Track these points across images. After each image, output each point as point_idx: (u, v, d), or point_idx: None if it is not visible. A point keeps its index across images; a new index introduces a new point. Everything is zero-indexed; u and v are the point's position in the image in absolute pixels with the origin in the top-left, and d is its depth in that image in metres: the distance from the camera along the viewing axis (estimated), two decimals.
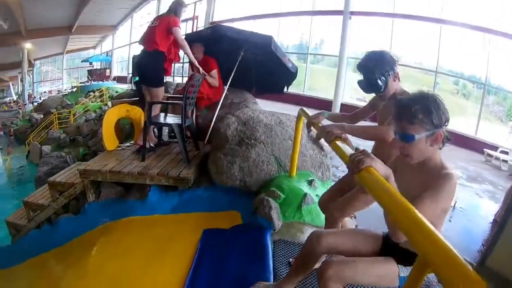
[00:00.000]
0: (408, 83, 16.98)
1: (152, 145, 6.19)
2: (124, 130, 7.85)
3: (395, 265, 2.27)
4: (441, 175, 2.04)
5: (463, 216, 6.50)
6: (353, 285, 2.72)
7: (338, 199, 2.92)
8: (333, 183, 4.57)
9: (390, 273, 2.26)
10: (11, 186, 19.79)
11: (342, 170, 5.99)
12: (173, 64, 6.48)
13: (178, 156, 5.92)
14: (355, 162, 1.98)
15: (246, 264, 3.36)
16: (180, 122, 5.60)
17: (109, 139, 6.69)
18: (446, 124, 2.07)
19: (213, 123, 6.28)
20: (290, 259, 3.32)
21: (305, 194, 4.33)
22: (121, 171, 5.51)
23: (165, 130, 6.83)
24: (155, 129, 6.48)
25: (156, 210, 5.02)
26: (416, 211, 1.46)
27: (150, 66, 5.99)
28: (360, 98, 17.32)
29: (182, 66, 15.09)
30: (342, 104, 16.41)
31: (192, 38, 6.80)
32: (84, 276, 4.06)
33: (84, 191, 6.11)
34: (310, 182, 4.74)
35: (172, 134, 6.90)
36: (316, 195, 4.40)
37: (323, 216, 3.71)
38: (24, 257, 5.79)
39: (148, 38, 5.95)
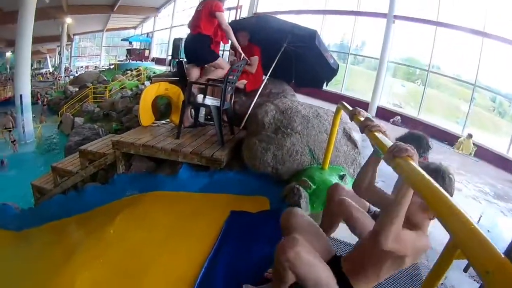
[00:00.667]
0: (445, 94, 16.72)
1: (186, 126, 6.21)
2: (160, 109, 7.86)
3: (335, 283, 2.31)
4: None
5: (485, 232, 6.40)
6: None
7: (347, 198, 2.93)
8: None
9: (328, 285, 2.29)
10: (39, 153, 20.12)
11: None
12: (221, 46, 6.59)
13: (213, 138, 5.92)
14: (397, 148, 1.97)
15: (269, 249, 3.26)
16: (219, 105, 5.60)
17: (145, 114, 6.74)
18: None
19: (250, 109, 6.27)
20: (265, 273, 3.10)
21: None
22: (155, 146, 5.54)
23: (202, 111, 6.84)
24: (192, 110, 6.51)
25: (185, 187, 5.03)
26: (450, 198, 1.51)
27: (195, 48, 6.10)
28: (397, 104, 17.18)
29: (222, 54, 15.11)
30: (378, 107, 16.25)
31: (236, 25, 6.78)
32: (103, 244, 4.12)
33: (114, 162, 6.18)
34: (341, 177, 4.69)
35: (209, 116, 6.93)
36: None
37: None
38: (44, 221, 5.90)
39: (193, 22, 6.04)
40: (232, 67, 5.65)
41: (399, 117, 14.85)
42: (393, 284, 3.22)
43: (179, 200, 4.83)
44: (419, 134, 3.01)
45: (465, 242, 1.32)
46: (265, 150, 4.96)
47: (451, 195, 2.10)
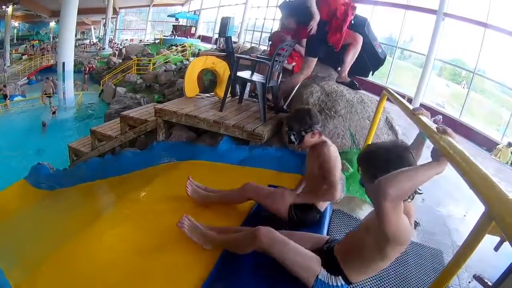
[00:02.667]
0: (489, 99, 16.40)
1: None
2: (204, 83, 7.89)
3: (319, 266, 2.52)
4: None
5: None
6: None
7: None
8: None
9: (311, 269, 2.53)
10: (79, 119, 20.53)
11: None
12: None
13: (255, 114, 5.92)
14: (442, 127, 2.09)
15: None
16: (264, 81, 5.57)
17: (190, 86, 6.80)
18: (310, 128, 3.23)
19: (295, 90, 6.18)
20: None
21: None
22: (197, 116, 5.58)
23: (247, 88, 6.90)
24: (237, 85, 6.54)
25: (224, 159, 5.07)
26: (487, 173, 1.56)
27: None
28: (439, 104, 16.91)
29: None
30: (421, 104, 15.95)
31: (286, 6, 6.85)
32: (134, 206, 4.20)
33: (155, 129, 6.27)
34: None
35: (253, 94, 6.97)
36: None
37: None
38: (77, 181, 6.06)
39: None
40: (281, 45, 5.63)
41: (440, 117, 14.61)
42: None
43: (216, 170, 4.88)
44: (303, 110, 3.28)
45: (500, 213, 1.33)
46: None
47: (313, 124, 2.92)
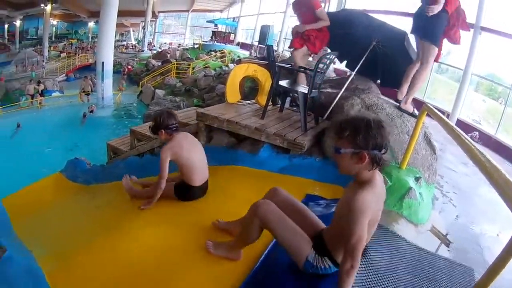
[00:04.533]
0: None
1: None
2: (244, 90, 7.97)
3: (310, 248, 2.67)
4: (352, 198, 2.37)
5: None
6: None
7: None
8: (436, 188, 4.80)
9: (301, 249, 2.68)
10: (116, 117, 20.88)
11: (446, 180, 5.88)
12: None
13: (296, 124, 5.91)
14: None
15: None
16: (306, 92, 5.61)
17: (232, 92, 6.88)
18: (374, 148, 2.29)
19: (335, 101, 6.23)
20: None
21: (410, 188, 4.33)
22: (239, 122, 5.64)
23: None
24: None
25: (264, 166, 5.13)
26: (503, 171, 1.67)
27: None
28: (476, 120, 16.69)
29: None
30: (458, 120, 15.78)
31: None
32: (170, 206, 4.30)
33: (195, 133, 6.25)
34: (417, 179, 4.69)
35: (294, 103, 7.01)
36: (419, 193, 4.40)
37: (420, 214, 4.19)
38: (114, 178, 6.15)
39: None
40: (322, 56, 5.64)
41: (477, 133, 14.42)
42: None
43: (256, 176, 4.91)
44: (362, 119, 2.91)
45: None
46: None
47: (378, 146, 2.28)
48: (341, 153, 2.35)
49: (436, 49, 5.68)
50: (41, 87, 26.37)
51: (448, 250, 4.04)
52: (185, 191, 4.29)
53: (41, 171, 11.33)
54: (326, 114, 6.25)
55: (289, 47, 7.41)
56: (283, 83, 6.04)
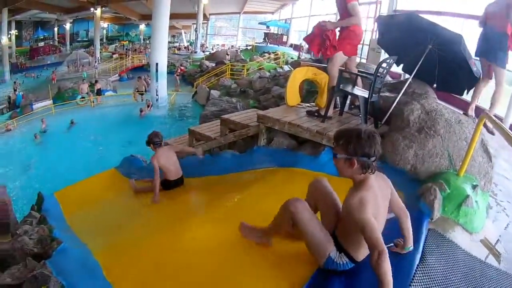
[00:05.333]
0: None
1: (329, 115, 6.19)
2: (303, 92, 8.02)
3: (333, 246, 2.99)
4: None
5: None
6: None
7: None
8: (490, 196, 4.84)
9: (325, 247, 2.99)
10: (171, 117, 21.31)
11: (500, 188, 5.80)
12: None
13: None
14: None
15: (400, 237, 3.40)
16: (367, 96, 5.65)
17: (292, 95, 6.95)
18: (362, 155, 2.69)
19: (394, 105, 6.23)
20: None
21: (468, 196, 4.32)
22: (301, 125, 5.72)
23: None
24: (337, 98, 6.53)
25: (325, 169, 5.11)
26: None
27: None
28: None
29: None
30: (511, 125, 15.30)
31: (384, 21, 7.00)
32: (229, 206, 4.47)
33: (255, 135, 6.46)
34: (474, 187, 4.66)
35: (352, 106, 7.00)
36: (476, 202, 4.38)
37: (475, 222, 4.20)
38: None
39: None
40: (382, 61, 5.71)
41: None
42: None
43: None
44: (354, 130, 2.95)
45: None
46: (407, 147, 5.07)
47: (367, 155, 2.68)
48: (337, 158, 2.81)
49: (505, 70, 5.92)
50: (98, 86, 27.23)
51: (498, 261, 3.99)
52: (167, 184, 5.94)
53: (95, 167, 11.72)
54: (385, 119, 6.23)
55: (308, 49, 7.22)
56: (344, 86, 6.06)
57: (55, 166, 15.48)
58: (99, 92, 27.26)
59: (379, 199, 2.80)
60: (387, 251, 2.50)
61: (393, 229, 3.34)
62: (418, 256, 3.29)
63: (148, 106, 21.95)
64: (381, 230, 2.74)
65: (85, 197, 6.37)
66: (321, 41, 6.22)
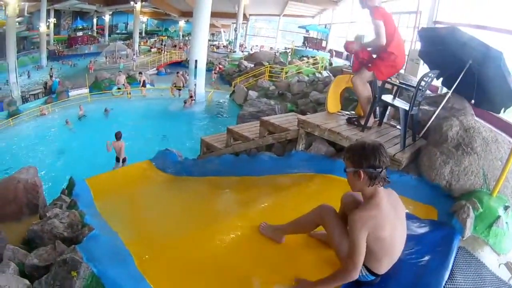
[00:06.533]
0: None
1: (369, 125, 6.22)
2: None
3: None
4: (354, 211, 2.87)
5: None
6: None
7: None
8: None
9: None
10: (207, 115, 21.53)
11: None
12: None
13: (395, 140, 5.96)
14: None
15: (430, 253, 3.51)
16: (407, 108, 5.65)
17: (333, 102, 6.98)
18: (368, 167, 2.82)
19: (432, 119, 6.24)
20: None
21: (499, 216, 4.32)
22: (340, 133, 5.75)
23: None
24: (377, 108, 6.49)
25: None
26: None
27: None
28: None
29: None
30: None
31: (426, 34, 6.99)
32: (266, 208, 4.49)
33: (294, 139, 6.50)
34: (506, 208, 4.61)
35: (393, 118, 7.01)
36: (506, 223, 4.37)
37: (504, 244, 4.18)
38: (207, 173, 6.51)
39: None
40: (424, 74, 5.70)
41: None
42: None
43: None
44: (365, 143, 3.05)
45: None
46: (444, 163, 5.06)
47: (372, 166, 2.81)
48: (347, 172, 2.97)
49: None
50: (143, 78, 27.84)
51: None
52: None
53: (128, 157, 11.97)
54: (422, 132, 6.22)
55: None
56: (385, 97, 6.09)
57: (86, 152, 15.92)
58: (144, 84, 27.79)
59: (391, 216, 2.90)
60: (354, 278, 2.80)
61: (419, 244, 3.53)
62: (447, 273, 3.34)
63: (191, 97, 22.35)
64: (400, 247, 2.98)
65: (117, 186, 6.52)
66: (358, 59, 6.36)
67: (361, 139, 3.31)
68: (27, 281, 3.15)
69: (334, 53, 35.18)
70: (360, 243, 2.73)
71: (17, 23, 40.73)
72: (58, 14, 56.62)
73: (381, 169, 2.83)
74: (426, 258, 3.46)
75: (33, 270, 3.50)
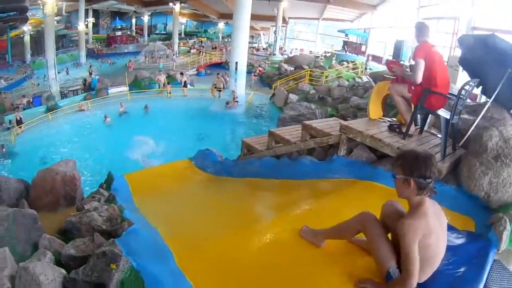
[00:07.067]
0: None
1: (410, 133, 6.14)
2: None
3: (394, 263, 3.04)
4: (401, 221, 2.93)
5: None
6: None
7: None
8: None
9: (385, 262, 3.08)
10: (247, 117, 21.94)
11: None
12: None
13: (435, 148, 5.82)
14: None
15: (466, 264, 3.49)
16: (448, 117, 5.60)
17: (375, 108, 6.99)
18: (419, 176, 2.89)
19: (472, 128, 6.13)
20: None
21: None
22: (382, 140, 5.73)
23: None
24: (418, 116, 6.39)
25: None
26: None
27: None
28: None
29: None
30: None
31: (465, 42, 6.90)
32: (308, 211, 4.55)
33: (336, 144, 6.51)
34: None
35: (433, 126, 6.96)
36: None
37: None
38: (247, 174, 6.64)
39: None
40: (465, 83, 5.70)
41: None
42: None
43: (392, 196, 4.41)
44: (418, 152, 3.10)
45: None
46: (483, 173, 4.97)
47: (423, 176, 2.89)
48: (396, 178, 3.03)
49: None
50: (184, 78, 28.46)
51: None
52: None
53: (164, 155, 12.22)
54: (462, 141, 6.12)
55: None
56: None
57: (123, 148, 16.25)
58: (185, 84, 28.34)
59: (436, 225, 2.95)
60: (413, 286, 2.81)
61: (456, 255, 3.53)
62: (481, 285, 3.32)
63: (234, 99, 22.71)
64: (441, 257, 3.05)
65: (156, 183, 6.68)
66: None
67: (411, 148, 3.30)
68: (63, 270, 3.23)
69: (370, 57, 35.09)
70: (414, 250, 2.78)
71: (56, 22, 41.96)
72: (96, 14, 58.73)
73: (430, 179, 2.90)
74: (462, 269, 3.42)
75: (69, 260, 3.60)
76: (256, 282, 3.24)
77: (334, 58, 37.29)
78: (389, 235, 3.34)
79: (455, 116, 5.74)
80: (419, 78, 5.75)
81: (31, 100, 27.82)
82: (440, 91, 5.87)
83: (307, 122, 7.47)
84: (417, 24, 6.12)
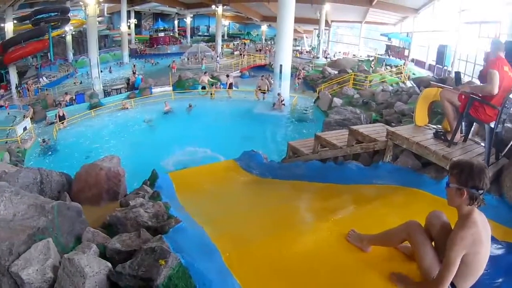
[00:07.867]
0: None
1: (455, 141, 6.09)
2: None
3: (437, 272, 3.04)
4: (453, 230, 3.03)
5: None
6: None
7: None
8: None
9: (430, 270, 3.15)
10: (292, 119, 22.01)
11: None
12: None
13: (479, 157, 5.74)
14: None
15: (504, 276, 3.51)
16: (493, 126, 5.54)
17: (421, 115, 7.00)
18: (472, 187, 2.93)
19: None
20: None
21: None
22: (428, 147, 5.72)
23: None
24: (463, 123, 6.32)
25: (443, 194, 4.71)
26: None
27: None
28: None
29: None
30: None
31: (509, 47, 6.78)
32: (349, 219, 4.46)
33: (382, 150, 6.59)
34: None
35: (477, 134, 6.89)
36: None
37: None
38: (292, 177, 6.74)
39: None
40: (509, 92, 5.58)
41: None
42: None
43: (437, 204, 4.50)
44: (472, 163, 3.12)
45: None
46: None
47: (477, 187, 2.93)
48: (450, 187, 3.07)
49: None
50: (230, 80, 28.82)
51: None
52: None
53: (207, 155, 12.43)
54: (505, 151, 5.91)
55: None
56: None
57: (167, 146, 16.57)
58: (231, 86, 28.81)
59: (483, 235, 2.96)
60: None
61: (494, 266, 3.52)
62: None
63: (280, 101, 22.87)
64: (484, 267, 3.07)
65: (200, 182, 6.85)
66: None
67: (467, 159, 3.37)
68: (109, 264, 3.29)
69: (408, 62, 34.78)
70: (456, 261, 2.83)
71: (98, 23, 43.26)
72: (138, 15, 61.00)
73: (483, 191, 2.94)
74: (500, 280, 3.44)
75: (114, 254, 3.67)
76: (302, 284, 3.30)
77: (374, 62, 37.13)
78: (433, 243, 3.39)
79: (498, 125, 5.66)
80: (496, 88, 5.49)
81: (74, 97, 28.74)
82: (495, 103, 5.68)
83: (354, 127, 7.51)
84: (494, 40, 6.16)
